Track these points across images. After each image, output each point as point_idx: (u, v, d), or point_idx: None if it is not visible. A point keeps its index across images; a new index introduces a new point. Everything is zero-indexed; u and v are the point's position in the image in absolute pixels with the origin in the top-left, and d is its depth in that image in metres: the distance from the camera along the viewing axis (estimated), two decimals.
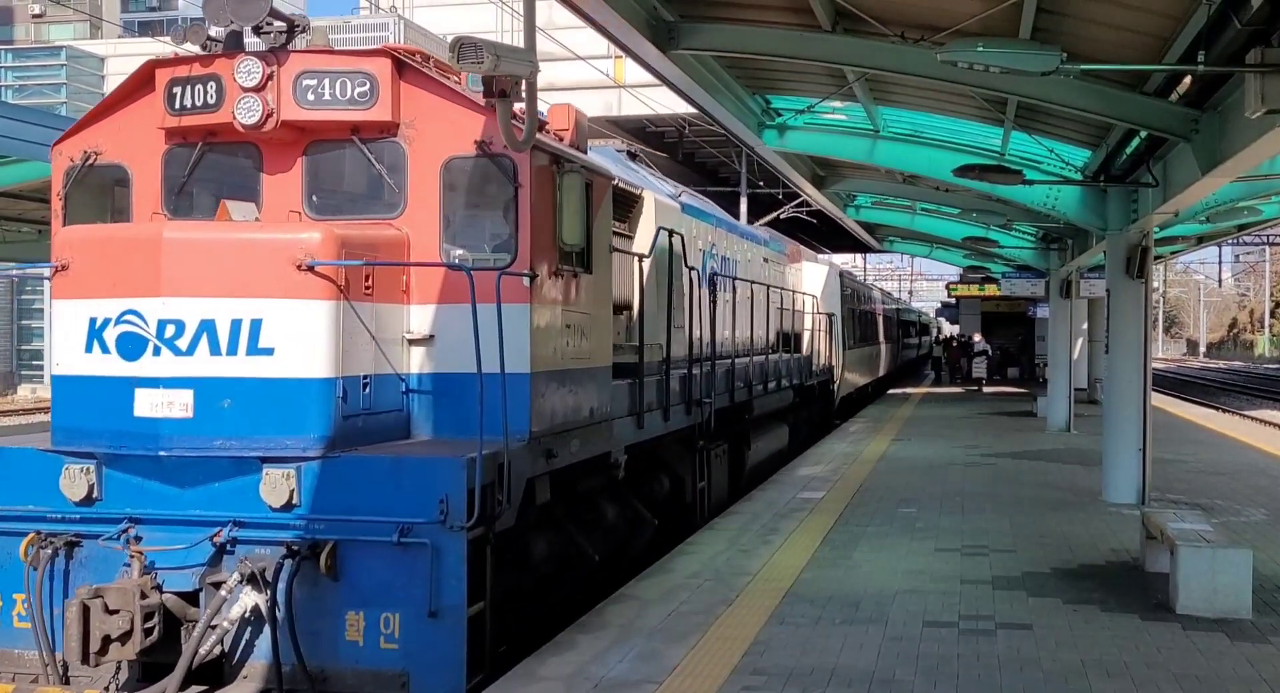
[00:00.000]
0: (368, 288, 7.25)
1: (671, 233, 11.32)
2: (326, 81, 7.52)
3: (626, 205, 10.72)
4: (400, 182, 7.72)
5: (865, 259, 70.19)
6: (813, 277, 22.96)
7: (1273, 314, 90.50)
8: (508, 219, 7.58)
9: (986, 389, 34.88)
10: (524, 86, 6.94)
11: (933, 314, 75.65)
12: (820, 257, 27.25)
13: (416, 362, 7.67)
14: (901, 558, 9.73)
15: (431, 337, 7.62)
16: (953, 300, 48.95)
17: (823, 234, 41.49)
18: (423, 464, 6.77)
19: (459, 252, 7.67)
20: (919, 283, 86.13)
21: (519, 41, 7.67)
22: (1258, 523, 11.58)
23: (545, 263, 7.76)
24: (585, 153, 9.03)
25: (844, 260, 59.63)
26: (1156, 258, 17.92)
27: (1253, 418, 28.79)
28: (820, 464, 16.04)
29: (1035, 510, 12.26)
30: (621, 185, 10.21)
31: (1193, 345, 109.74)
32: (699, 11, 10.76)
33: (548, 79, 20.84)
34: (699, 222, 13.33)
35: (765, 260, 17.68)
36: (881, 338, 35.02)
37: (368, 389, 7.25)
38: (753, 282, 15.78)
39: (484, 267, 7.48)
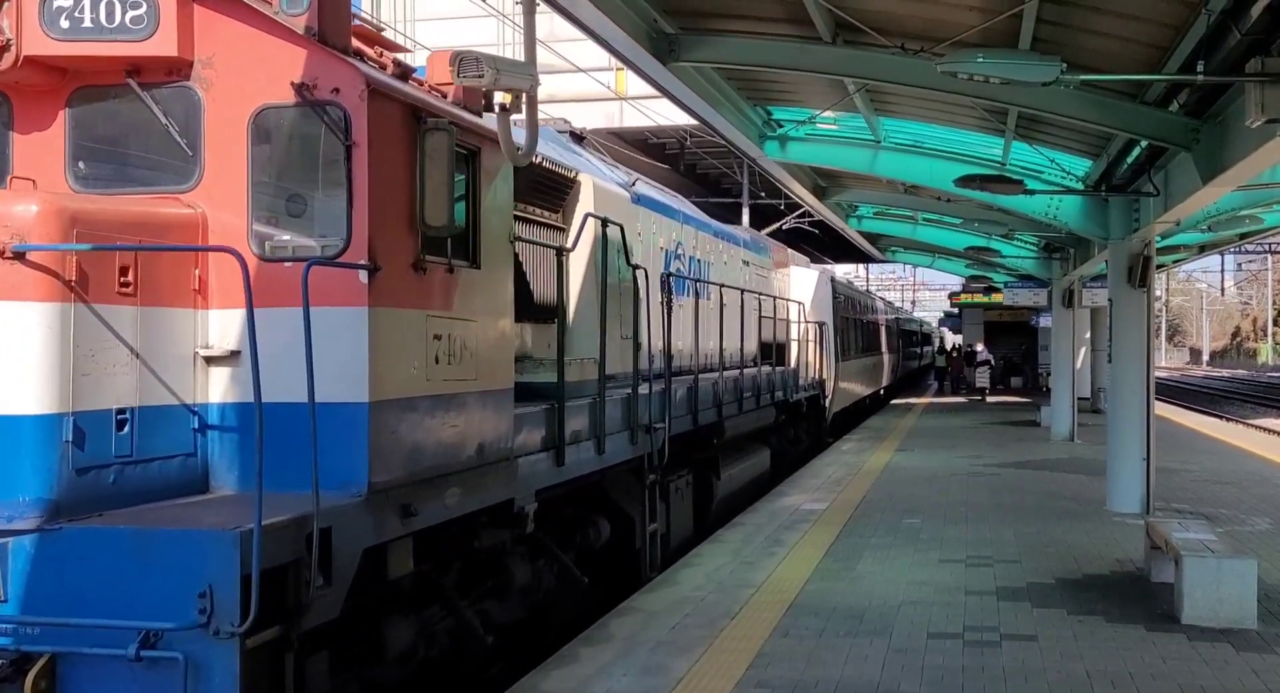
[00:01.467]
0: (126, 285, 5.29)
1: (607, 223, 9.39)
2: (87, 2, 5.61)
3: (556, 190, 9.23)
4: (194, 140, 5.78)
5: (868, 269, 70.45)
6: (802, 283, 21.96)
7: (1275, 322, 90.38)
8: (339, 190, 5.65)
9: (990, 399, 34.85)
10: (524, 100, 6.89)
11: (935, 323, 75.65)
12: (824, 266, 26.43)
13: (217, 388, 5.72)
14: (905, 569, 9.70)
15: (237, 353, 5.70)
16: (955, 310, 49.01)
17: (825, 245, 41.54)
18: (174, 541, 4.74)
19: (284, 236, 5.81)
20: (922, 293, 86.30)
21: (520, 54, 7.63)
22: (1263, 532, 11.55)
23: (397, 251, 5.87)
24: (480, 116, 6.95)
25: (846, 270, 59.69)
26: (1158, 267, 17.91)
27: (1257, 427, 28.74)
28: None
29: (1039, 521, 12.23)
30: (546, 165, 8.75)
31: (1196, 354, 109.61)
32: (699, 24, 10.79)
33: (549, 91, 20.88)
34: (658, 216, 12.05)
35: (745, 264, 16.39)
36: (881, 348, 34.20)
37: (127, 428, 5.25)
38: (729, 286, 14.35)
39: (300, 255, 5.65)
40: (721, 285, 14.11)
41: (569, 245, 8.80)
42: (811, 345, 20.68)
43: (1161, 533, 8.84)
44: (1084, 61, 9.69)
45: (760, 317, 16.31)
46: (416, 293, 6.06)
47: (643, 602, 8.54)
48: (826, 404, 22.41)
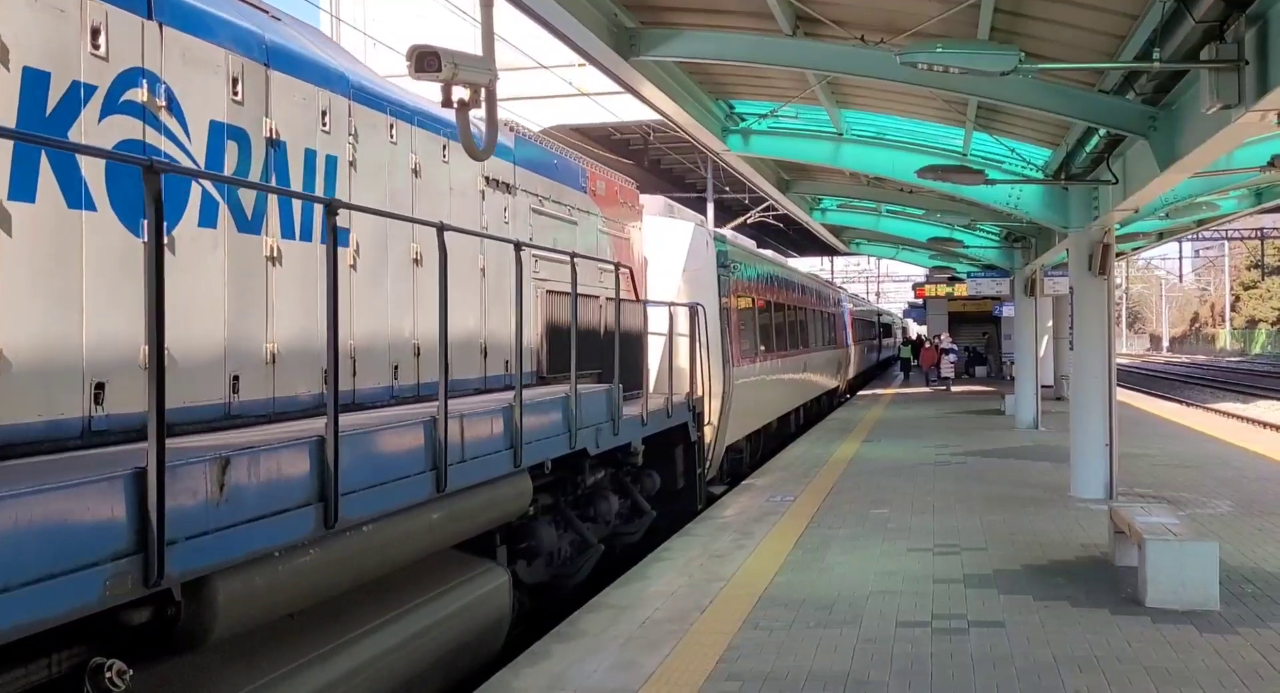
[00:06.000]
0: None
1: None
2: None
3: None
4: None
5: (833, 262, 70.82)
6: (663, 241, 14.39)
7: (1233, 308, 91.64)
8: None
9: (955, 389, 35.13)
10: (484, 95, 6.85)
11: (900, 314, 76.08)
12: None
13: None
14: (874, 559, 9.75)
15: None
16: (920, 302, 49.33)
17: (791, 238, 41.74)
18: None
19: None
20: (886, 284, 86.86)
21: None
22: (1224, 515, 11.69)
23: None
24: None
25: (811, 264, 59.82)
26: (1118, 254, 18.09)
27: (1216, 410, 29.12)
28: None
29: (1006, 508, 12.33)
30: None
31: (1156, 340, 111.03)
32: (659, 18, 10.77)
33: (514, 89, 20.76)
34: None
35: (501, 188, 9.03)
36: (826, 342, 27.92)
37: None
38: (413, 221, 6.62)
39: None
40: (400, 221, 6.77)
41: None
42: (675, 342, 13.36)
43: (1125, 518, 8.93)
44: (1042, 51, 9.77)
45: (549, 291, 9.80)
46: None
47: (612, 597, 8.53)
48: (707, 438, 13.59)
